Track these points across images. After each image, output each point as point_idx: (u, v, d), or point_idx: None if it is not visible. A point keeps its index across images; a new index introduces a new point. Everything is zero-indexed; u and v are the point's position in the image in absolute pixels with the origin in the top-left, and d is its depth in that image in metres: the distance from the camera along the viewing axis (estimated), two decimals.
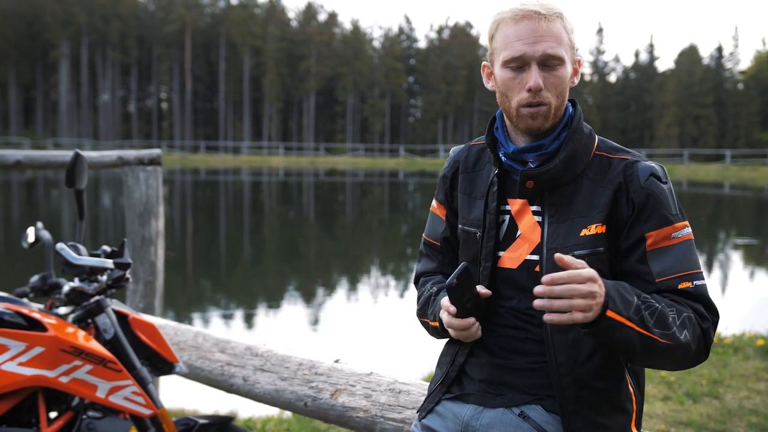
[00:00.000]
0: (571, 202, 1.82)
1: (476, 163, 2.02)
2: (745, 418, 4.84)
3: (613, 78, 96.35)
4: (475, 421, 1.84)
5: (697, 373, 5.85)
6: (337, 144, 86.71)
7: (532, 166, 1.84)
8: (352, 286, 12.47)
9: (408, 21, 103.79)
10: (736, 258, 16.42)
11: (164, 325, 3.43)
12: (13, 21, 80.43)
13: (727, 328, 7.63)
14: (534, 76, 1.76)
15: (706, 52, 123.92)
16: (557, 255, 1.59)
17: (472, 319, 1.82)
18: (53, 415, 2.52)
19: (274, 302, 10.95)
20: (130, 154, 4.23)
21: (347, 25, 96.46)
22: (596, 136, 1.90)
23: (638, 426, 1.89)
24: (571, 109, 1.89)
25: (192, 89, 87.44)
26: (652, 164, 1.81)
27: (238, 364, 2.98)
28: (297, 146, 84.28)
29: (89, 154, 4.36)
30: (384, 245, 18.29)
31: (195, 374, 3.14)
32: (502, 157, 1.89)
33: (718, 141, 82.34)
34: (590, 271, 1.58)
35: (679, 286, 1.75)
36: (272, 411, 4.99)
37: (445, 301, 1.85)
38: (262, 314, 10.12)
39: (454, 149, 2.11)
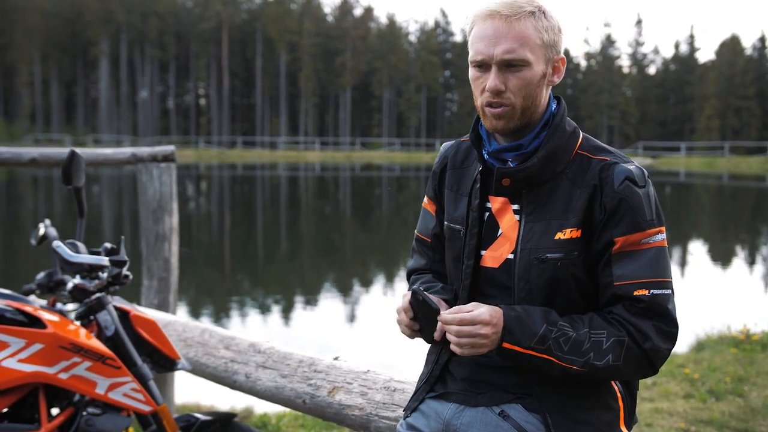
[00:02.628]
0: (548, 201, 1.79)
1: (464, 159, 2.00)
2: None
3: (652, 70, 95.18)
4: (456, 419, 1.83)
5: (722, 370, 5.75)
6: (373, 138, 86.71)
7: (512, 165, 1.82)
8: (383, 280, 12.48)
9: (444, 15, 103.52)
10: None
11: (173, 321, 3.46)
12: (55, 20, 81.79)
13: (756, 324, 7.49)
14: (492, 78, 1.75)
15: (748, 43, 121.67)
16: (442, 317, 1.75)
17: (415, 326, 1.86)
18: (55, 411, 2.55)
19: (303, 297, 11.00)
20: (144, 150, 4.27)
21: (383, 20, 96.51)
22: (580, 134, 1.87)
23: (628, 425, 1.87)
24: (554, 107, 1.86)
25: (229, 85, 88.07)
26: (630, 167, 1.77)
27: (241, 361, 2.99)
28: (333, 141, 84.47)
29: (104, 151, 4.41)
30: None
31: (201, 370, 3.16)
32: (485, 155, 1.87)
33: (760, 133, 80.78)
34: (479, 315, 1.71)
35: (635, 293, 1.72)
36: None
37: (405, 302, 1.86)
38: (277, 309, 10.16)
39: (445, 145, 2.10)
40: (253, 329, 8.71)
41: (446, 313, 1.75)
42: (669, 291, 1.74)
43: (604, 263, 1.76)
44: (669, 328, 1.73)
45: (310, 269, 13.80)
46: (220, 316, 9.52)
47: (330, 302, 10.55)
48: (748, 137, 78.79)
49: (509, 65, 1.74)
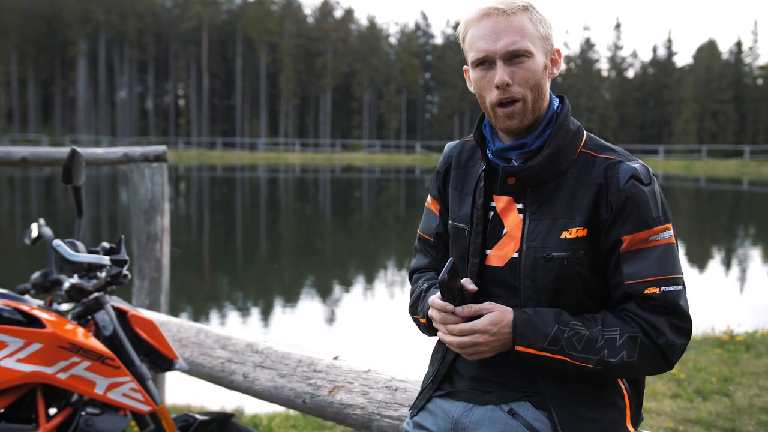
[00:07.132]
0: (552, 199, 1.80)
1: (469, 159, 2.01)
2: (755, 416, 4.79)
3: (631, 73, 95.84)
4: (465, 418, 1.84)
5: (708, 370, 5.81)
6: (354, 140, 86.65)
7: (516, 164, 1.83)
8: (362, 282, 12.46)
9: (424, 17, 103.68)
10: (754, 255, 16.27)
11: (167, 321, 3.44)
12: (33, 19, 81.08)
13: (739, 325, 7.58)
14: (499, 72, 1.76)
15: (725, 47, 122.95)
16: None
17: None
18: (53, 411, 2.53)
19: (283, 298, 10.97)
20: (136, 150, 4.24)
21: (363, 22, 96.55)
22: (584, 133, 1.88)
23: (635, 423, 1.87)
24: (556, 105, 1.88)
25: (209, 86, 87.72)
26: (635, 165, 1.78)
27: (238, 361, 2.98)
28: (313, 143, 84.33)
29: (95, 151, 4.38)
30: (399, 241, 18.28)
31: (197, 371, 3.15)
32: (489, 155, 1.88)
33: (737, 137, 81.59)
34: (478, 324, 1.72)
35: (646, 291, 1.73)
36: (279, 407, 4.99)
37: (434, 298, 1.81)
38: (269, 310, 10.13)
39: (449, 144, 2.11)
40: (246, 331, 8.68)
41: (451, 319, 1.77)
42: (680, 287, 1.75)
43: (614, 263, 1.77)
44: (682, 323, 1.74)
45: (292, 271, 13.77)
46: (211, 316, 9.47)
47: (316, 303, 10.54)
48: (724, 141, 79.47)
49: (513, 57, 1.76)
